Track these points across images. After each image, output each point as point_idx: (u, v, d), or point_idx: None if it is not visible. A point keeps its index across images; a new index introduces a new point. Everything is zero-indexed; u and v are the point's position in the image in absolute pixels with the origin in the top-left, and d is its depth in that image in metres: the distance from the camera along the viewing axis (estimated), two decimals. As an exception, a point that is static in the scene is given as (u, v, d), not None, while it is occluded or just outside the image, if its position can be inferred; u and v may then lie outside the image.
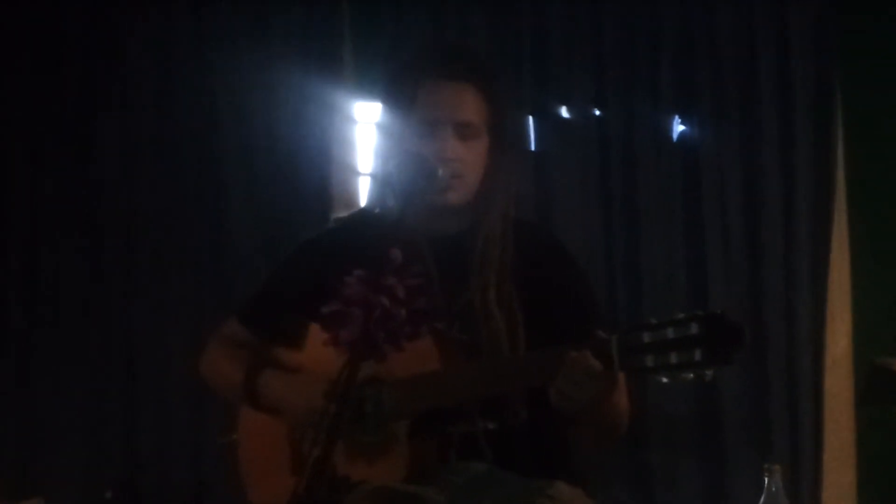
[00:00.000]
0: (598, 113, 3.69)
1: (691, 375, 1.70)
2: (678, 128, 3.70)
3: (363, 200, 3.36)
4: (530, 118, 3.68)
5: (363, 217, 2.17)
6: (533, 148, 3.68)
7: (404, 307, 1.55)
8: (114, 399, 3.72)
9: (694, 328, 1.68)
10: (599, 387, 1.79)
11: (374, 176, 2.12)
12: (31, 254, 3.78)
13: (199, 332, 2.26)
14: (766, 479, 1.99)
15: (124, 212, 3.75)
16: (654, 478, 3.60)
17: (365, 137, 3.74)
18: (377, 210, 2.12)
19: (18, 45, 3.78)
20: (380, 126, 2.13)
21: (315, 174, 3.67)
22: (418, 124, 2.04)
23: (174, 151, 3.76)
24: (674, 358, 1.69)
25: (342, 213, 2.32)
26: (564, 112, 3.69)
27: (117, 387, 3.72)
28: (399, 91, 2.08)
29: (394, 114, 2.08)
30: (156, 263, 3.74)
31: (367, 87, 3.67)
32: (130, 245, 3.75)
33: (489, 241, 2.06)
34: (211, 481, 3.55)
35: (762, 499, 2.00)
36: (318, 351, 1.92)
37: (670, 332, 1.69)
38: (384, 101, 2.13)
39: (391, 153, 2.05)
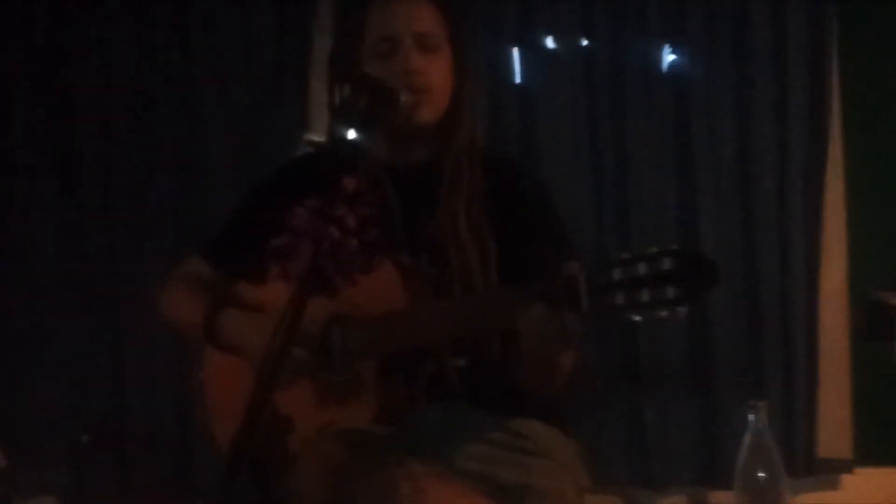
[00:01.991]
0: (585, 43, 3.60)
1: (665, 313, 1.60)
2: (668, 58, 3.60)
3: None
4: (515, 49, 3.59)
5: (326, 148, 2.08)
6: (518, 80, 3.60)
7: (356, 237, 1.47)
8: (96, 343, 3.65)
9: (667, 263, 1.58)
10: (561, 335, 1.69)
11: (331, 108, 2.01)
12: (6, 194, 3.70)
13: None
14: (751, 417, 1.91)
15: (102, 154, 3.68)
16: (645, 417, 3.55)
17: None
18: (339, 142, 2.02)
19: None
20: (333, 54, 2.05)
21: (292, 111, 3.59)
22: (375, 43, 1.96)
23: (151, 91, 3.68)
24: (645, 295, 1.59)
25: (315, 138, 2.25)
26: (550, 43, 3.59)
27: (100, 330, 3.65)
28: (350, 14, 2.00)
29: (347, 38, 1.99)
30: (136, 203, 3.67)
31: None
32: (109, 186, 3.68)
33: (458, 165, 1.98)
34: (195, 425, 3.48)
35: (747, 437, 1.93)
36: (280, 287, 1.85)
37: (642, 268, 1.59)
38: (337, 28, 2.06)
39: (347, 80, 1.95)
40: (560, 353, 1.83)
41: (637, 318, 1.63)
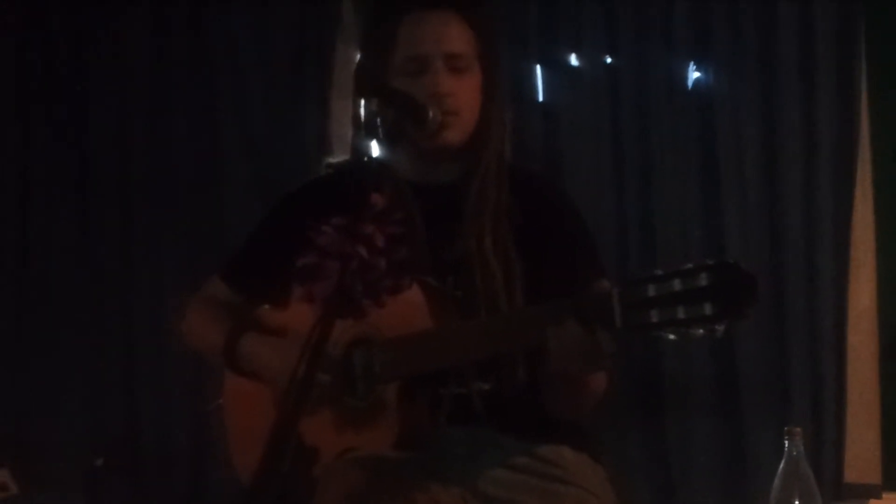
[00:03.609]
0: (609, 60, 3.56)
1: (701, 331, 1.54)
2: (693, 75, 3.55)
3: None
4: (538, 67, 3.55)
5: (349, 166, 2.04)
6: (541, 98, 3.56)
7: (384, 257, 1.41)
8: (110, 366, 3.64)
9: (703, 279, 1.52)
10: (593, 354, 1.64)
11: (357, 123, 1.97)
12: (22, 211, 3.71)
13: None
14: (787, 443, 1.86)
15: (119, 171, 3.69)
16: (671, 442, 3.48)
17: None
18: (364, 159, 1.97)
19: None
20: (360, 70, 2.01)
21: (312, 125, 3.55)
22: (404, 62, 1.91)
23: (169, 105, 3.69)
24: (681, 312, 1.52)
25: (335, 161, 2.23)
26: (574, 60, 3.56)
27: (113, 353, 3.64)
28: (379, 29, 1.95)
29: (376, 53, 1.94)
30: (153, 224, 3.67)
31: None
32: (126, 208, 3.68)
33: (485, 184, 1.93)
34: (209, 449, 3.45)
35: (782, 464, 1.87)
36: (302, 310, 1.80)
37: (677, 284, 1.53)
38: (364, 44, 2.02)
39: (375, 94, 1.90)
40: (591, 374, 1.78)
41: (672, 336, 1.57)
